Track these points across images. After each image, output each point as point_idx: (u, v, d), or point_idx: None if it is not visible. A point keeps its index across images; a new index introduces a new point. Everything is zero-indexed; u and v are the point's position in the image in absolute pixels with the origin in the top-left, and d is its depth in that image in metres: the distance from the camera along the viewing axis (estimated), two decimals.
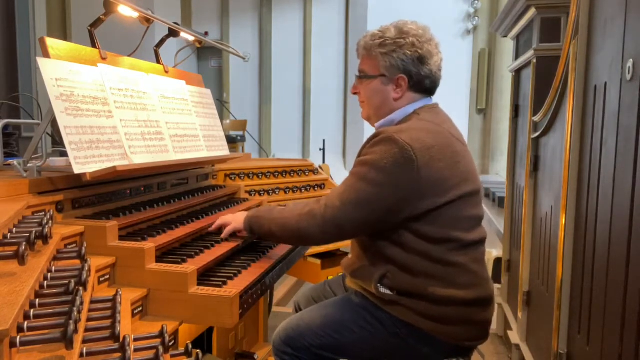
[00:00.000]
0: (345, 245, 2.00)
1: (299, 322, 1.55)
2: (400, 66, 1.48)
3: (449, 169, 1.39)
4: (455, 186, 1.40)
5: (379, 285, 1.43)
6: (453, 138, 1.46)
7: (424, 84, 1.51)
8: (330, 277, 2.03)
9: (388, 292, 1.43)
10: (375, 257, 1.47)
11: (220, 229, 1.72)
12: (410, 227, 1.39)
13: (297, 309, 1.87)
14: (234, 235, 1.72)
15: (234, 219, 1.69)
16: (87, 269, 1.07)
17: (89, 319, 1.00)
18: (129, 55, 1.89)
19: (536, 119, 2.28)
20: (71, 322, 0.79)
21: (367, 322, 1.47)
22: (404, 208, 1.37)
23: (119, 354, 0.88)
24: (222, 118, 6.67)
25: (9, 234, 1.02)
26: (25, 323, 0.79)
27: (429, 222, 1.39)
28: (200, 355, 1.04)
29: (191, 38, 2.25)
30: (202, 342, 1.93)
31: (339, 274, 1.92)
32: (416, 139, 1.36)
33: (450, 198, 1.38)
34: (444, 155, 1.39)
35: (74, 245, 1.33)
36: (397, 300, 1.42)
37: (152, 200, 1.79)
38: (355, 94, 1.62)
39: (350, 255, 1.62)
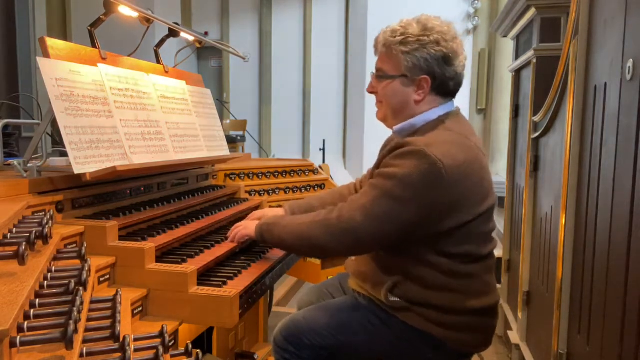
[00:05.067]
0: None
1: (302, 320, 1.52)
2: (423, 66, 1.38)
3: (476, 186, 1.35)
4: (479, 203, 1.36)
5: (389, 294, 1.41)
6: (479, 152, 1.40)
7: (448, 85, 1.42)
8: (330, 277, 2.01)
9: (397, 299, 1.40)
10: (386, 266, 1.44)
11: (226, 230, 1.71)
12: (428, 242, 1.36)
13: None
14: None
15: (245, 225, 1.66)
16: (87, 269, 1.07)
17: (89, 319, 1.00)
18: (129, 55, 1.89)
19: (536, 119, 2.28)
20: (71, 322, 0.79)
21: (373, 325, 1.45)
22: (427, 225, 1.33)
23: (119, 354, 0.88)
24: (222, 118, 6.67)
25: (9, 234, 1.02)
26: (25, 323, 0.79)
27: (448, 238, 1.35)
28: (200, 355, 1.04)
29: (191, 38, 2.25)
30: (202, 342, 1.93)
31: (334, 276, 1.90)
32: (447, 155, 1.28)
33: (472, 216, 1.35)
34: (473, 171, 1.33)
35: (74, 245, 1.33)
36: (408, 307, 1.40)
37: (152, 200, 1.78)
38: (372, 93, 1.50)
39: (354, 258, 1.59)
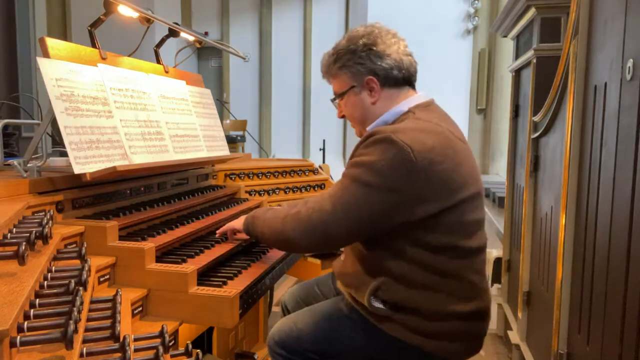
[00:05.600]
0: None
1: (292, 326, 1.52)
2: (362, 70, 1.44)
3: (450, 172, 1.30)
4: (457, 190, 1.32)
5: (372, 298, 1.37)
6: (454, 137, 1.37)
7: (394, 75, 1.44)
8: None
9: (381, 306, 1.36)
10: (370, 266, 1.40)
11: (225, 234, 1.71)
12: (410, 235, 1.32)
13: (284, 310, 1.84)
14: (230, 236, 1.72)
15: (237, 221, 1.68)
16: (87, 269, 1.07)
17: (89, 319, 1.00)
18: (129, 55, 1.89)
19: (536, 119, 2.28)
20: (71, 322, 0.79)
21: (358, 336, 1.43)
22: (399, 213, 1.29)
23: (119, 354, 0.88)
24: (222, 118, 6.67)
25: (9, 234, 1.02)
26: (25, 323, 0.79)
27: (429, 229, 1.31)
28: (200, 355, 1.04)
29: (191, 38, 2.25)
30: (202, 342, 1.93)
31: (327, 274, 1.89)
32: (415, 140, 1.27)
33: (451, 203, 1.31)
34: (445, 157, 1.30)
35: (74, 245, 1.33)
36: (390, 316, 1.36)
37: (152, 200, 1.79)
38: (342, 117, 1.58)
39: (342, 258, 1.55)
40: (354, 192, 1.30)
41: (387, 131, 1.30)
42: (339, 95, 1.52)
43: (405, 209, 1.29)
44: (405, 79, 1.47)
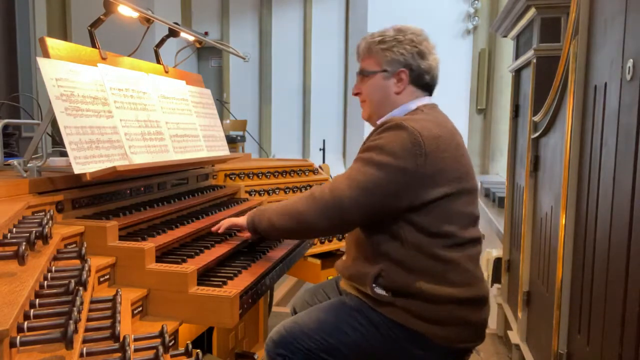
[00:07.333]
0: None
1: (293, 325, 1.53)
2: (401, 60, 1.52)
3: (453, 160, 1.41)
4: (458, 179, 1.42)
5: (374, 285, 1.43)
6: (457, 133, 1.50)
7: (424, 78, 1.54)
8: (330, 277, 2.02)
9: (383, 292, 1.42)
10: (370, 254, 1.46)
11: (225, 231, 1.71)
12: (409, 218, 1.40)
13: (294, 313, 1.85)
14: (232, 235, 1.72)
15: (239, 218, 1.69)
16: (87, 269, 1.07)
17: (89, 319, 1.00)
18: (129, 55, 1.89)
19: (536, 119, 2.28)
20: (71, 322, 0.79)
21: (361, 324, 1.46)
22: (407, 195, 1.37)
23: (119, 354, 0.88)
24: (222, 118, 6.68)
25: (9, 234, 1.02)
26: (25, 323, 0.79)
27: (427, 213, 1.39)
28: (200, 355, 1.04)
29: (191, 38, 2.25)
30: (202, 342, 1.93)
31: (332, 277, 1.91)
32: (424, 127, 1.39)
33: (450, 190, 1.40)
34: (449, 146, 1.41)
35: (74, 245, 1.33)
36: (392, 302, 1.42)
37: (152, 200, 1.79)
38: (356, 94, 1.63)
39: (344, 257, 1.61)
40: (367, 173, 1.38)
41: (399, 119, 1.42)
42: (368, 73, 1.57)
43: (411, 191, 1.38)
44: (429, 86, 1.58)
